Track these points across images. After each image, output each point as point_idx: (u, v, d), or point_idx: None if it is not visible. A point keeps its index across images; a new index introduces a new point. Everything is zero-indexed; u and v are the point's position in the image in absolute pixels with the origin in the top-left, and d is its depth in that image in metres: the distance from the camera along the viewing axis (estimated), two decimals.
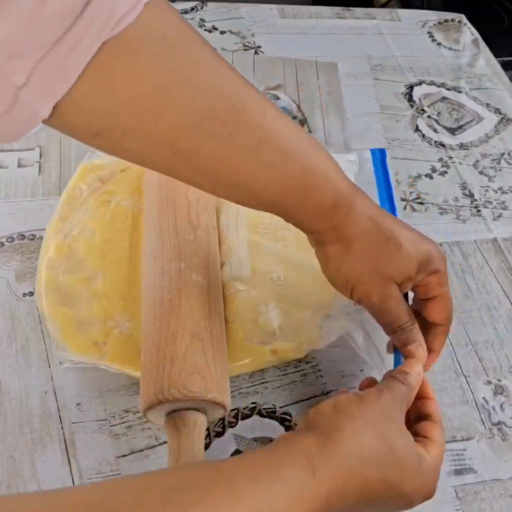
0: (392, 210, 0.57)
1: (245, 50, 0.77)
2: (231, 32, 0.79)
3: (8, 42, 0.27)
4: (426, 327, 0.43)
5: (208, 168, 0.36)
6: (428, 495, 0.36)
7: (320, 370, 0.49)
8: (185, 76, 0.32)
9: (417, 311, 0.43)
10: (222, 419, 0.45)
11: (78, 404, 0.45)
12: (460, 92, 0.76)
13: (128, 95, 0.31)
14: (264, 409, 0.44)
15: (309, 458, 0.31)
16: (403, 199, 0.62)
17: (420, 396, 0.40)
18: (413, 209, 0.62)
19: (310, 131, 0.68)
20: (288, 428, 0.45)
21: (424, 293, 0.42)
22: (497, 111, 0.75)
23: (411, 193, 0.64)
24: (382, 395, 0.36)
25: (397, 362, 0.44)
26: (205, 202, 0.50)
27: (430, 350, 0.42)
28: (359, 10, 0.87)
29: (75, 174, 0.55)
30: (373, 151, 0.63)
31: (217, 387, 0.40)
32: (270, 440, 0.38)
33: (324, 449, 0.32)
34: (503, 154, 0.69)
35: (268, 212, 0.39)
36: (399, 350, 0.42)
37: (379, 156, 0.62)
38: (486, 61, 0.82)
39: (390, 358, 0.45)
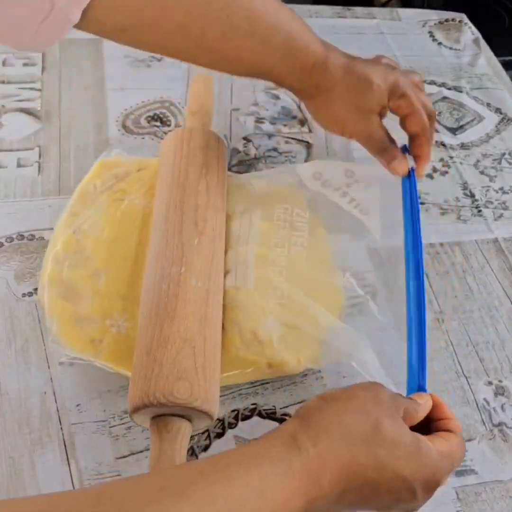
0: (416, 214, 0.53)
1: None
2: None
3: None
4: (412, 141, 0.54)
5: (214, 47, 0.44)
6: (431, 482, 0.34)
7: (320, 371, 0.49)
8: None
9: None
10: (222, 420, 0.44)
11: (77, 405, 0.45)
12: (460, 91, 0.76)
13: None
14: (264, 410, 0.44)
15: (294, 437, 0.32)
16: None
17: (440, 417, 0.38)
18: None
19: (310, 131, 0.68)
20: None
21: (400, 113, 0.52)
22: (498, 110, 0.74)
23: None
24: (372, 384, 0.36)
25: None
26: (214, 208, 0.50)
27: (418, 157, 0.53)
28: (359, 10, 0.86)
29: (92, 170, 0.55)
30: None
31: (205, 395, 0.39)
32: None
33: (307, 429, 0.32)
34: (504, 154, 0.69)
35: (259, 79, 0.51)
36: (386, 168, 0.52)
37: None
38: (487, 61, 0.81)
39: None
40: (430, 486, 0.34)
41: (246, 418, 0.44)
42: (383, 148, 0.52)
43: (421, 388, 0.41)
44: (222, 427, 0.43)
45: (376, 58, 0.56)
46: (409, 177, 0.54)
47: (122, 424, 0.44)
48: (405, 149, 0.56)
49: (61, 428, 0.44)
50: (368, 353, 0.46)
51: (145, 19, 0.41)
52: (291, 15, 0.47)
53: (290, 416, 0.45)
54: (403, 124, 0.53)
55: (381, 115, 0.52)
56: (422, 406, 0.37)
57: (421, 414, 0.37)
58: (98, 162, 0.55)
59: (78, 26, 0.39)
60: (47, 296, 0.47)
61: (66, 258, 0.49)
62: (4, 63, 0.69)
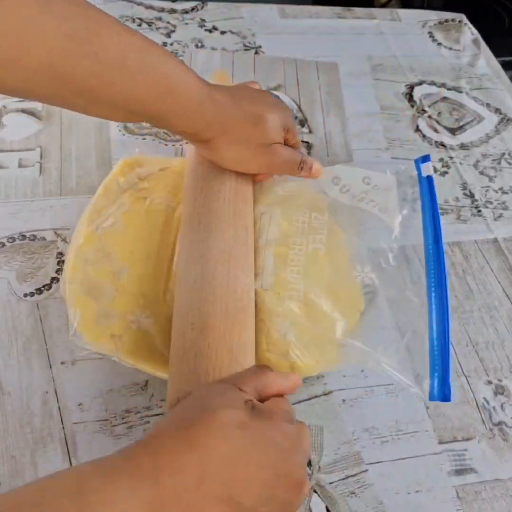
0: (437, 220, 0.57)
1: (246, 50, 0.77)
2: (231, 32, 0.79)
3: None
4: None
5: (85, 86, 0.40)
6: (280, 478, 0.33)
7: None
8: (46, 6, 0.36)
9: None
10: None
11: (79, 404, 0.45)
12: (460, 92, 0.76)
13: (2, 28, 0.35)
14: None
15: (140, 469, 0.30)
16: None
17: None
18: (414, 210, 0.62)
19: (310, 131, 0.68)
20: None
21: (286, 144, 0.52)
22: (497, 111, 0.75)
23: (412, 193, 0.63)
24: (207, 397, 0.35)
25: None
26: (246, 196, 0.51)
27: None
28: (359, 10, 0.87)
29: (115, 168, 0.55)
30: (417, 163, 0.61)
31: None
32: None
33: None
34: (503, 154, 0.69)
35: (143, 122, 0.47)
36: (310, 177, 0.52)
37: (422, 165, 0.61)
38: (487, 61, 0.82)
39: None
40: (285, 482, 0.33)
41: None
42: (295, 169, 0.51)
43: (445, 373, 0.46)
44: None
45: (248, 85, 0.54)
46: (428, 180, 0.59)
47: (124, 423, 0.44)
48: (427, 159, 0.60)
49: (63, 427, 0.44)
50: (381, 362, 0.47)
51: (3, 61, 0.36)
52: (165, 52, 0.44)
53: None
54: None
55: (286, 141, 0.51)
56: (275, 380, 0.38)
57: (274, 387, 0.37)
58: (121, 161, 0.55)
59: None
60: (68, 290, 0.47)
61: (88, 254, 0.49)
62: None
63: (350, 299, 0.50)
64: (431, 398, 0.47)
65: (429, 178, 0.59)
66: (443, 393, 0.46)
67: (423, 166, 0.60)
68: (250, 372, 0.38)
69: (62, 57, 0.38)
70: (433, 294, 0.51)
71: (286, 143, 0.51)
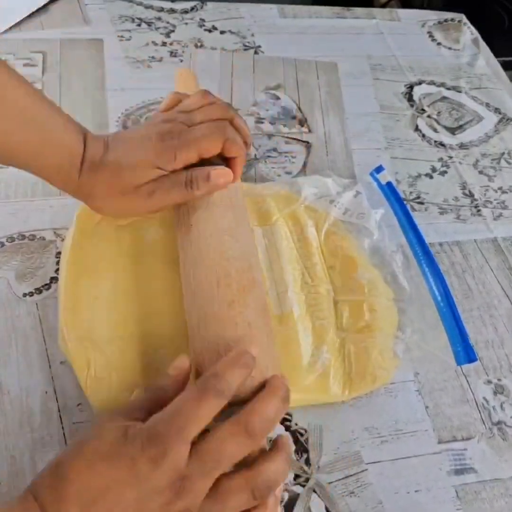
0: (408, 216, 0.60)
1: (245, 50, 0.77)
2: (231, 32, 0.79)
3: None
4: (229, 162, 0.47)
5: None
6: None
7: None
8: None
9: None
10: None
11: (78, 405, 0.45)
12: (460, 91, 0.76)
13: None
14: None
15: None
16: (403, 199, 0.62)
17: None
18: (413, 209, 0.62)
19: (310, 131, 0.68)
20: (287, 428, 0.45)
21: (185, 161, 0.45)
22: (497, 110, 0.75)
23: (411, 193, 0.64)
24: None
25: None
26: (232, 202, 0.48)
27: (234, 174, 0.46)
28: (359, 10, 0.87)
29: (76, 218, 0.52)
30: (372, 174, 0.63)
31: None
32: (270, 440, 0.38)
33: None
34: (503, 153, 0.69)
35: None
36: (217, 189, 0.45)
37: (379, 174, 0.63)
38: (486, 61, 0.82)
39: None
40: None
41: None
42: (184, 191, 0.45)
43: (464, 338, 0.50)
44: None
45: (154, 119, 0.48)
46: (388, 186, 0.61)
47: None
48: (380, 169, 0.62)
49: (63, 428, 0.44)
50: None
51: None
52: (49, 109, 0.43)
53: (290, 416, 0.45)
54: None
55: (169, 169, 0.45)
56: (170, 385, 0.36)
57: (170, 393, 0.36)
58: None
59: None
60: (70, 346, 0.45)
61: (80, 303, 0.47)
62: None
63: (387, 313, 0.52)
64: (460, 362, 0.50)
65: (389, 184, 0.62)
66: (468, 356, 0.50)
67: (379, 175, 0.62)
68: (140, 396, 0.37)
69: None
70: (431, 282, 0.55)
71: (186, 163, 0.45)
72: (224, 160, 0.47)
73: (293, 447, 0.44)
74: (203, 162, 0.46)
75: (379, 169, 0.63)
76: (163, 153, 0.44)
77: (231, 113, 0.47)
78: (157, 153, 0.44)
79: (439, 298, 0.54)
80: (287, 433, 0.45)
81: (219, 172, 0.45)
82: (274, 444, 0.36)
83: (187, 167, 0.45)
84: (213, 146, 0.45)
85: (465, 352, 0.50)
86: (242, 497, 0.33)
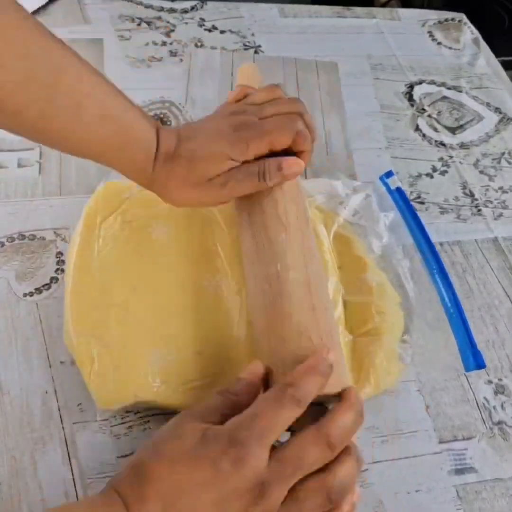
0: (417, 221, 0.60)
1: (245, 49, 0.77)
2: (231, 31, 0.79)
3: None
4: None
5: (35, 127, 0.40)
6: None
7: None
8: (10, 44, 0.36)
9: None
10: None
11: (79, 404, 0.45)
12: (460, 91, 0.76)
13: None
14: None
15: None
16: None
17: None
18: (414, 209, 0.62)
19: None
20: (288, 428, 0.45)
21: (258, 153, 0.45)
22: (497, 110, 0.75)
23: (411, 192, 0.64)
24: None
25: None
26: (291, 198, 0.47)
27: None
28: (359, 9, 0.87)
29: (92, 200, 0.53)
30: (382, 179, 0.63)
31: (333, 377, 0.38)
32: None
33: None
34: (503, 153, 0.69)
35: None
36: (287, 180, 0.45)
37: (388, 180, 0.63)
38: (486, 61, 0.82)
39: None
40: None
41: None
42: (257, 183, 0.45)
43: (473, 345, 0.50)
44: None
45: (223, 109, 0.49)
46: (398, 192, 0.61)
47: (123, 423, 0.44)
48: (390, 174, 0.62)
49: (63, 427, 0.44)
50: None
51: None
52: (124, 103, 0.43)
53: None
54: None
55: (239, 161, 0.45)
56: (240, 386, 0.37)
57: (244, 399, 0.36)
58: (99, 188, 0.54)
59: None
60: (75, 342, 0.45)
61: (87, 298, 0.47)
62: None
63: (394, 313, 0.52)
64: (468, 369, 0.50)
65: (399, 189, 0.62)
66: (477, 363, 0.50)
67: (389, 180, 0.63)
68: (212, 400, 0.37)
69: (14, 96, 0.37)
70: (441, 289, 0.55)
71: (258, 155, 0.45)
72: (289, 154, 0.47)
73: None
74: (270, 155, 0.46)
75: (389, 174, 0.63)
76: (236, 144, 0.44)
77: (301, 107, 0.47)
78: (230, 144, 0.44)
79: (448, 304, 0.54)
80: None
81: (291, 162, 0.45)
82: (345, 447, 0.36)
83: (257, 159, 0.45)
84: (284, 139, 0.45)
85: (474, 358, 0.50)
86: (317, 501, 0.33)
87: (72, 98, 0.39)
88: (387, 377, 0.47)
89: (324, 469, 0.34)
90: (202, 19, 0.80)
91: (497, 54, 0.83)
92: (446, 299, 0.54)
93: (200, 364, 0.45)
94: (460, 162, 0.68)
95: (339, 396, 0.37)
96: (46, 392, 0.45)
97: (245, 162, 0.44)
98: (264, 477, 0.32)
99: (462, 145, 0.70)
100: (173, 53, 0.74)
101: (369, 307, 0.50)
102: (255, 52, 0.77)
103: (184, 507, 0.32)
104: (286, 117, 0.46)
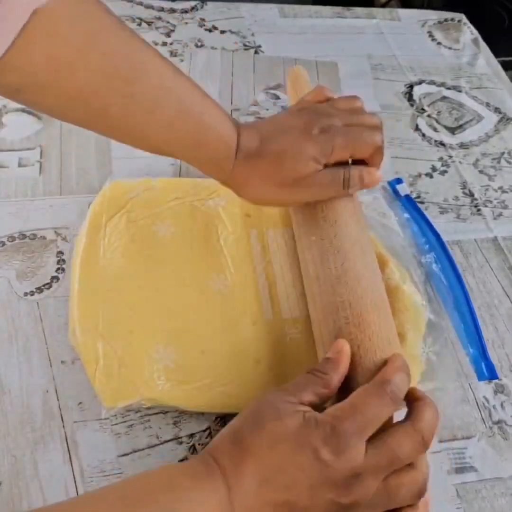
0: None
1: (245, 49, 0.77)
2: (231, 31, 0.79)
3: None
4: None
5: (117, 125, 0.41)
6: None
7: None
8: (95, 41, 0.37)
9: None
10: (223, 418, 0.45)
11: (79, 403, 0.45)
12: (460, 91, 0.76)
13: (46, 56, 0.36)
14: None
15: (224, 473, 0.33)
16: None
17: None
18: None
19: None
20: None
21: (341, 158, 0.46)
22: (497, 110, 0.75)
23: (411, 192, 0.64)
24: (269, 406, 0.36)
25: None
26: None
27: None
28: (359, 10, 0.87)
29: (98, 198, 0.53)
30: (390, 183, 0.63)
31: None
32: None
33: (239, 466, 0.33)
34: (503, 153, 0.69)
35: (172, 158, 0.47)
36: (366, 188, 0.47)
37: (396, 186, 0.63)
38: (486, 61, 0.82)
39: None
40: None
41: None
42: (340, 189, 0.46)
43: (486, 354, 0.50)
44: (223, 424, 0.44)
45: (299, 107, 0.49)
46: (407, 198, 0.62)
47: (124, 422, 0.44)
48: (400, 181, 0.63)
49: (63, 426, 0.44)
50: None
51: (41, 82, 0.37)
52: (203, 98, 0.43)
53: None
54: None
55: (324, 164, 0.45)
56: (331, 366, 0.38)
57: (334, 377, 0.37)
58: (105, 188, 0.54)
59: None
60: (81, 341, 0.45)
61: (94, 297, 0.47)
62: None
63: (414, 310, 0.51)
64: (481, 378, 0.50)
65: (408, 197, 0.62)
66: (491, 373, 0.50)
67: (399, 187, 0.63)
68: (303, 379, 0.38)
69: (98, 93, 0.39)
70: (458, 297, 0.55)
71: (352, 159, 0.46)
72: (355, 163, 0.47)
73: None
74: (341, 164, 0.46)
75: (398, 180, 0.63)
76: (323, 146, 0.44)
77: (380, 124, 0.48)
78: (318, 146, 0.44)
79: (465, 314, 0.53)
80: None
81: (372, 174, 0.46)
82: None
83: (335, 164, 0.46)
84: (365, 150, 0.46)
85: (488, 369, 0.50)
86: (407, 496, 0.35)
87: (153, 94, 0.40)
88: None
89: (411, 464, 0.35)
90: (202, 19, 0.80)
91: (497, 54, 0.83)
92: (463, 309, 0.54)
93: (205, 362, 0.46)
94: (459, 162, 0.68)
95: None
96: (47, 391, 0.45)
97: (325, 166, 0.45)
98: (359, 469, 0.33)
99: (462, 145, 0.70)
100: (173, 53, 0.75)
101: (392, 306, 0.49)
102: (255, 52, 0.77)
103: (279, 486, 0.33)
104: (370, 129, 0.46)
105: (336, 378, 0.37)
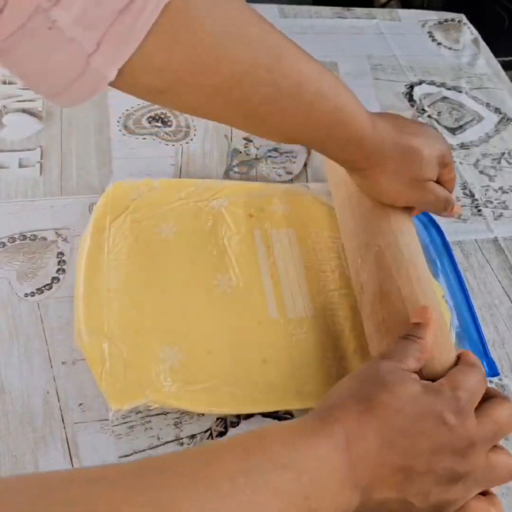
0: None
1: None
2: None
3: (83, 15, 0.30)
4: None
5: (257, 113, 0.40)
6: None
7: None
8: (237, 31, 0.36)
9: None
10: (224, 419, 0.45)
11: (80, 404, 0.45)
12: (460, 91, 0.76)
13: (189, 51, 0.35)
14: None
15: (348, 439, 0.33)
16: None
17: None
18: None
19: None
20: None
21: (441, 179, 0.50)
22: (497, 110, 0.75)
23: None
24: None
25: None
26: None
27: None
28: (359, 10, 0.87)
29: (101, 202, 0.53)
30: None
31: None
32: None
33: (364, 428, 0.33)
34: (503, 153, 0.69)
35: (305, 145, 0.47)
36: (448, 217, 0.51)
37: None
38: (486, 61, 0.82)
39: None
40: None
41: (248, 416, 0.44)
42: (441, 208, 0.49)
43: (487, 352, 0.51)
44: (224, 425, 0.44)
45: (415, 122, 0.52)
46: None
47: (125, 423, 0.44)
48: None
49: (64, 427, 0.44)
50: None
51: (185, 81, 0.36)
52: (336, 81, 0.43)
53: (292, 415, 0.45)
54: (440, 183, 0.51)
55: (437, 175, 0.49)
56: (422, 332, 0.39)
57: (428, 341, 0.38)
58: (106, 192, 0.54)
59: (114, 84, 0.35)
60: (87, 342, 0.45)
61: (99, 298, 0.47)
62: None
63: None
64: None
65: None
66: (492, 370, 0.50)
67: None
68: (402, 345, 0.39)
69: (241, 83, 0.38)
70: (457, 296, 0.55)
71: (440, 178, 0.50)
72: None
73: None
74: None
75: None
76: (448, 160, 0.49)
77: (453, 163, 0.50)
78: (446, 150, 0.48)
79: (464, 312, 0.53)
80: None
81: (457, 207, 0.50)
82: None
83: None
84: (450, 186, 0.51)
85: (489, 367, 0.50)
86: (503, 472, 0.36)
87: (293, 79, 0.40)
88: None
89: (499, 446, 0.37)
90: None
91: (497, 54, 0.83)
92: (462, 308, 0.54)
93: (212, 363, 0.46)
94: (460, 162, 0.68)
95: None
96: (48, 392, 0.45)
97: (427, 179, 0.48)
98: (476, 437, 0.34)
99: (462, 145, 0.70)
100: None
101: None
102: None
103: (400, 449, 0.33)
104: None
105: (430, 341, 0.38)
